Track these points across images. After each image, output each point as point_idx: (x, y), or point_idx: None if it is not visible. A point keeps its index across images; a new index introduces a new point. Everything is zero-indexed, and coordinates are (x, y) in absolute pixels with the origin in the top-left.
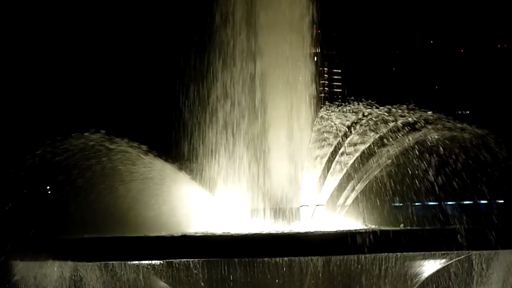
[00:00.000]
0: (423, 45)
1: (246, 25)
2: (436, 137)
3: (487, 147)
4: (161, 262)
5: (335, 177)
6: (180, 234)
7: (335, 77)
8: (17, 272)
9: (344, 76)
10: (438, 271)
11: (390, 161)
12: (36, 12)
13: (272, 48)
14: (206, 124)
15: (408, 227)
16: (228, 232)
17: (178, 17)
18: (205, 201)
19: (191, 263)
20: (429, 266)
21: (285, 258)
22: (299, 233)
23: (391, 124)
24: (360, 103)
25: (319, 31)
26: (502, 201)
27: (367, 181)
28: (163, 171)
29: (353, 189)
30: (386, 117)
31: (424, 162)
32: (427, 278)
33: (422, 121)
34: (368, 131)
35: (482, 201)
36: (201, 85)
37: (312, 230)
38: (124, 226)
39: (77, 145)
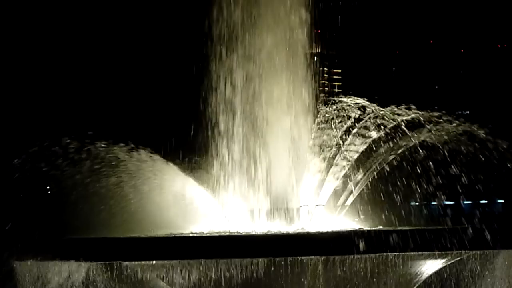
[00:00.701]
0: (423, 45)
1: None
2: (445, 136)
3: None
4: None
5: (336, 176)
6: (180, 234)
7: (335, 77)
8: (22, 273)
9: (344, 76)
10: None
11: (393, 157)
12: (53, 16)
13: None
14: (207, 125)
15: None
16: (227, 232)
17: (179, 21)
18: (206, 201)
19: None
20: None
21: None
22: (299, 233)
23: (399, 120)
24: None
25: (319, 31)
26: None
27: (367, 181)
28: (170, 175)
29: (357, 184)
30: (389, 116)
31: (436, 160)
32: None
33: (434, 119)
34: (369, 130)
35: (499, 200)
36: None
37: (312, 230)
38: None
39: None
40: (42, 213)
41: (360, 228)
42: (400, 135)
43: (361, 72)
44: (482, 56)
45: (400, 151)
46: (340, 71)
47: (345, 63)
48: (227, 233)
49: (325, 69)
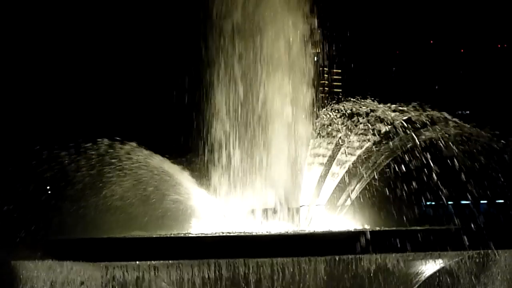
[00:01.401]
0: (423, 45)
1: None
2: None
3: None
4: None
5: (336, 176)
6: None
7: (335, 77)
8: (21, 273)
9: (344, 76)
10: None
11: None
12: (56, 16)
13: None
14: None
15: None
16: (226, 232)
17: (180, 23)
18: (206, 202)
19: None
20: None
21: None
22: (298, 233)
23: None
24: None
25: (319, 31)
26: None
27: (366, 181)
28: (172, 176)
29: (360, 180)
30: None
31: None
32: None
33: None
34: (370, 129)
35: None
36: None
37: (312, 230)
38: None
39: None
40: (45, 213)
41: (361, 229)
42: (402, 134)
43: (361, 72)
44: (482, 56)
45: (402, 150)
46: (340, 71)
47: (345, 63)
48: (235, 233)
49: (325, 69)
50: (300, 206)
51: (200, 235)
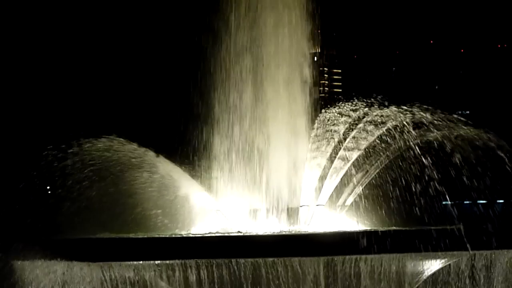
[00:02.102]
0: (423, 45)
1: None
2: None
3: None
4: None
5: (336, 176)
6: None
7: (335, 77)
8: (21, 272)
9: (344, 76)
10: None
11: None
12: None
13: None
14: (207, 125)
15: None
16: (227, 233)
17: (182, 23)
18: (207, 202)
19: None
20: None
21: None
22: (298, 233)
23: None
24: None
25: (319, 31)
26: None
27: (368, 181)
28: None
29: (357, 184)
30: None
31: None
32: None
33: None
34: (370, 129)
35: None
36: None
37: (311, 230)
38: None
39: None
40: (46, 213)
41: (362, 229)
42: (404, 134)
43: (361, 72)
44: (482, 56)
45: (399, 151)
46: (340, 71)
47: (345, 63)
48: (226, 234)
49: (325, 69)
50: (300, 206)
51: (200, 235)
